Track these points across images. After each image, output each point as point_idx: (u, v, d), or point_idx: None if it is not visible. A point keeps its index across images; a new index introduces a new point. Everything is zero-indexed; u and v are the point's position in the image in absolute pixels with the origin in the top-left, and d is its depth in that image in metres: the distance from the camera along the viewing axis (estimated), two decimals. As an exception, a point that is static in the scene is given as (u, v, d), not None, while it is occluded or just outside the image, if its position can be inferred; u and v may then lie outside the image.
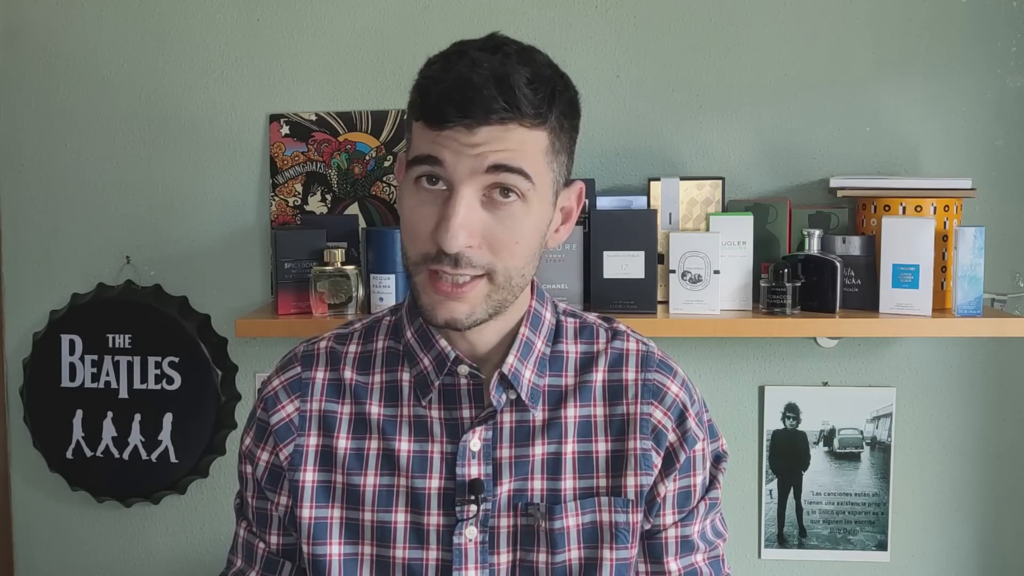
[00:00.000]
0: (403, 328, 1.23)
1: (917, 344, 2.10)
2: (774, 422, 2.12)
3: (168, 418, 2.14)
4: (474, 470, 1.18)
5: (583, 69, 2.08)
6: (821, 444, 2.11)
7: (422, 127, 1.09)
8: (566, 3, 2.09)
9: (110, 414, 2.15)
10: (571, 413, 1.20)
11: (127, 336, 2.14)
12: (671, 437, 1.21)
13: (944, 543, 2.13)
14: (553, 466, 1.19)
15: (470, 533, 1.17)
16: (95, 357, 2.15)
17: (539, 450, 1.19)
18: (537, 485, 1.19)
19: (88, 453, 2.16)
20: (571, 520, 1.19)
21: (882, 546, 2.11)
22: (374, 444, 1.20)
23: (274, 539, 1.26)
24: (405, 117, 1.14)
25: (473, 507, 1.17)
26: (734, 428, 2.12)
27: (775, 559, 2.14)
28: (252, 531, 1.28)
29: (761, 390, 2.12)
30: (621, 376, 1.22)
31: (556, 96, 1.10)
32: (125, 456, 2.15)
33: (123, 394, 2.15)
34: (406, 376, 1.21)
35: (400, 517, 1.19)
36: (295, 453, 1.21)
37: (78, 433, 2.16)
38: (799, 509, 2.12)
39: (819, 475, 2.11)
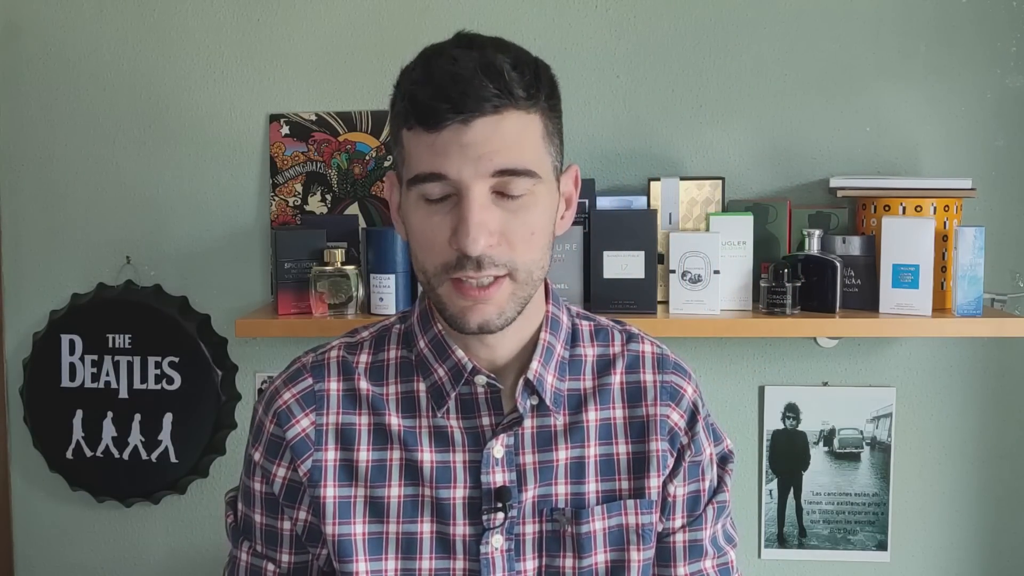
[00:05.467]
0: (414, 338, 1.21)
1: (917, 344, 2.10)
2: (774, 422, 2.12)
3: (168, 418, 2.14)
4: (499, 477, 1.17)
5: (583, 69, 2.08)
6: (821, 444, 2.11)
7: (417, 135, 1.07)
8: (566, 3, 2.08)
9: (110, 414, 2.15)
10: (592, 416, 1.20)
11: (127, 336, 2.14)
12: (683, 439, 1.22)
13: (944, 543, 2.13)
14: (577, 470, 1.19)
15: (496, 542, 1.17)
16: (95, 357, 2.15)
17: (563, 455, 1.19)
18: (561, 490, 1.19)
19: (88, 453, 2.16)
20: (597, 524, 1.19)
21: (882, 546, 2.11)
22: (396, 455, 1.18)
23: (286, 557, 1.22)
24: (390, 134, 1.12)
25: (500, 515, 1.16)
26: (734, 428, 2.12)
27: (775, 559, 2.14)
28: (258, 552, 1.23)
29: (761, 390, 2.12)
30: (639, 378, 1.23)
31: (541, 76, 1.10)
32: (125, 456, 2.15)
33: (123, 394, 2.15)
34: (422, 387, 1.19)
35: (426, 528, 1.17)
36: (314, 468, 1.17)
37: (78, 433, 2.16)
38: (799, 509, 2.12)
39: (819, 475, 2.11)
